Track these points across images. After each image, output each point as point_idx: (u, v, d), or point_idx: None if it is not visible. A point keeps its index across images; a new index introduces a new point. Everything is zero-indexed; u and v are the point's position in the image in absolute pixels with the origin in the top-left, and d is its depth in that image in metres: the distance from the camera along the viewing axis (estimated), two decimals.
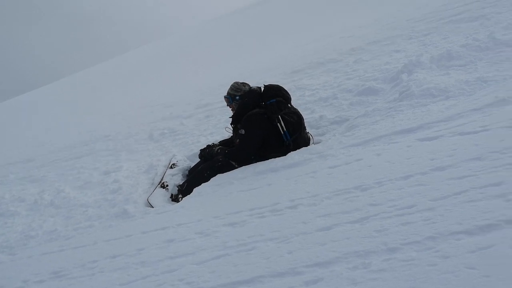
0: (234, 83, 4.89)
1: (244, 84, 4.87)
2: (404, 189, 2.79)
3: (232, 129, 4.87)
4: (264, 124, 4.51)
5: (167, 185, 4.76)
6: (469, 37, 6.11)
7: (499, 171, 2.56)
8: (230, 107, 4.92)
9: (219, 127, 6.48)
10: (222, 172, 4.47)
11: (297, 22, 14.82)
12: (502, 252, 1.86)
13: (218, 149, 4.85)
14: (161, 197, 4.59)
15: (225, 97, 4.91)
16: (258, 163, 4.41)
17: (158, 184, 4.82)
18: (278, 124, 4.49)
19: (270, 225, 2.95)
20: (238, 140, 4.58)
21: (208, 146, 5.12)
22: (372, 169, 3.29)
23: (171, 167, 5.16)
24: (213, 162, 4.65)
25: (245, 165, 4.49)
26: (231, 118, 4.81)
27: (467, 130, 3.36)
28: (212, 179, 4.35)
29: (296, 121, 4.59)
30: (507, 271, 1.74)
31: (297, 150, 4.40)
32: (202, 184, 4.33)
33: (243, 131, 4.50)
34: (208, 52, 16.12)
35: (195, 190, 4.25)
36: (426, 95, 4.72)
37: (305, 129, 4.76)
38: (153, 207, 4.35)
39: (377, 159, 3.47)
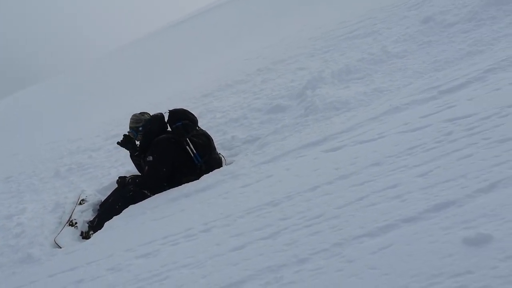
0: (133, 115, 4.77)
1: (142, 114, 4.78)
2: (312, 200, 2.86)
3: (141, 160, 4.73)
4: (172, 148, 4.42)
5: (76, 223, 4.49)
6: (364, 52, 6.53)
7: (395, 173, 2.72)
8: (137, 140, 4.78)
9: None
10: (135, 203, 4.30)
11: (203, 48, 14.92)
12: (399, 250, 1.95)
13: (129, 179, 4.69)
14: (70, 236, 4.31)
15: (128, 132, 4.77)
16: (171, 189, 4.31)
17: (66, 222, 4.53)
18: (187, 146, 4.44)
19: (183, 251, 2.88)
20: (147, 167, 4.45)
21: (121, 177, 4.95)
22: (282, 184, 3.35)
23: (80, 203, 4.88)
24: (124, 192, 4.48)
25: (158, 193, 4.37)
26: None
27: (366, 139, 3.55)
28: (124, 211, 4.18)
29: (204, 142, 4.57)
30: (404, 267, 1.83)
31: (210, 172, 4.36)
32: (114, 217, 4.14)
33: (151, 158, 4.39)
34: (115, 83, 15.69)
35: (106, 224, 4.05)
36: (329, 109, 4.94)
37: (215, 149, 4.75)
38: (61, 248, 4.07)
39: (287, 173, 3.54)
